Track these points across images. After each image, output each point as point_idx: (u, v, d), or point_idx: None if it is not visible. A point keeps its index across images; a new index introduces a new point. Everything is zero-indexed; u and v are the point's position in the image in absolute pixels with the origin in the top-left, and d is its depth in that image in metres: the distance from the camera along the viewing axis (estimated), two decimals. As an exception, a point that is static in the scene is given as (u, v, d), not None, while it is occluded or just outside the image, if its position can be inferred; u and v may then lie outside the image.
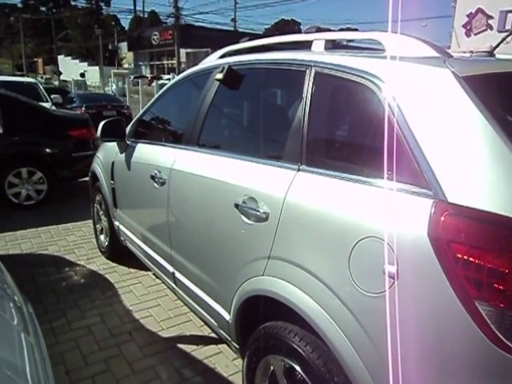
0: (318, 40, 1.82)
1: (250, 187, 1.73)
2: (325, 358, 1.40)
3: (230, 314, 1.91)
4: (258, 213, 1.65)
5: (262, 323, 1.69)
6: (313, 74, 1.63)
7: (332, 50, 1.76)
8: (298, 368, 1.50)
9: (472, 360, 1.07)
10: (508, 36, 1.72)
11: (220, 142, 2.27)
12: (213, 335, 2.60)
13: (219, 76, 2.13)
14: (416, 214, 1.16)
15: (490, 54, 1.67)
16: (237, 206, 1.76)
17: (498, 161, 1.11)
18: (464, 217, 1.08)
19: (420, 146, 1.22)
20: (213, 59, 2.47)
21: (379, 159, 1.31)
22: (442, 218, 1.10)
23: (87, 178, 4.13)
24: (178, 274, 2.40)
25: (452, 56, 1.40)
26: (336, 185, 1.42)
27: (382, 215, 1.25)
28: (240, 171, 1.84)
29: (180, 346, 2.56)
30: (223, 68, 2.14)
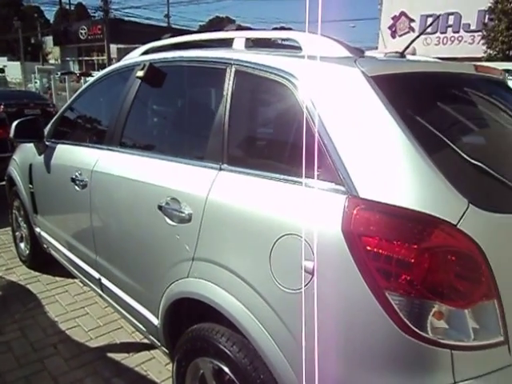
0: (239, 38, 1.82)
1: (172, 188, 1.69)
2: (251, 357, 1.40)
3: (158, 318, 1.85)
4: (180, 214, 1.62)
5: (190, 326, 1.66)
6: (233, 72, 1.62)
7: (252, 49, 1.76)
8: (226, 369, 1.49)
9: (386, 348, 1.11)
10: (415, 40, 1.82)
11: (143, 142, 2.20)
12: (145, 341, 2.51)
13: (140, 73, 2.06)
14: (331, 209, 1.19)
15: (401, 55, 1.76)
16: (160, 207, 1.71)
17: (404, 157, 1.17)
18: (374, 211, 1.13)
19: (334, 144, 1.25)
20: (135, 56, 2.38)
21: (296, 157, 1.33)
22: (354, 213, 1.14)
23: (3, 183, 3.82)
24: (104, 280, 2.29)
25: (363, 56, 1.45)
26: (256, 183, 1.42)
27: (299, 212, 1.27)
28: (163, 172, 1.80)
29: (110, 355, 2.45)
30: (144, 65, 2.07)
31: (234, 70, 1.62)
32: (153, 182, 1.80)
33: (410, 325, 1.06)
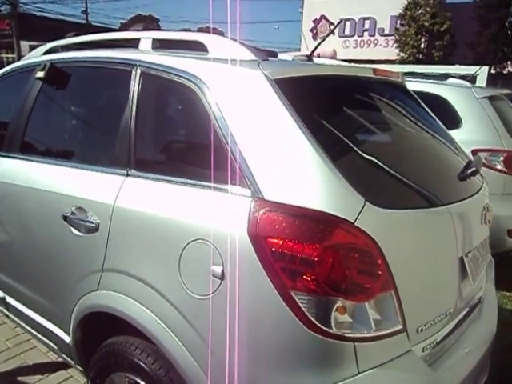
0: (146, 39, 1.76)
1: (78, 196, 1.59)
2: (166, 368, 1.36)
3: (69, 335, 1.74)
4: (87, 223, 1.53)
5: (103, 341, 1.58)
6: (138, 74, 1.57)
7: (159, 50, 1.71)
8: (142, 382, 1.44)
9: (294, 346, 1.13)
10: (321, 42, 1.89)
11: (45, 147, 2.05)
12: (61, 360, 2.35)
13: (40, 74, 1.92)
14: (237, 213, 1.19)
15: (308, 58, 1.81)
16: (65, 217, 1.60)
17: (306, 159, 1.20)
18: (278, 212, 1.14)
19: (239, 147, 1.25)
20: (37, 55, 2.22)
21: (203, 161, 1.31)
22: (259, 215, 1.15)
23: None
24: (9, 299, 2.11)
25: (267, 59, 1.47)
26: (164, 189, 1.38)
27: (206, 217, 1.25)
28: (67, 179, 1.69)
29: (21, 378, 2.26)
30: (45, 65, 1.93)
31: (139, 71, 1.57)
32: (56, 190, 1.68)
33: (315, 322, 1.09)
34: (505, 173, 3.27)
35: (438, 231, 1.39)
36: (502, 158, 3.27)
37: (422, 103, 1.95)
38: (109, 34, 1.95)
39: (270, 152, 1.24)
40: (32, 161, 1.90)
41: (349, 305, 1.12)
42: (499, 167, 3.27)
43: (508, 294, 3.47)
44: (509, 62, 18.50)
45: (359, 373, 1.12)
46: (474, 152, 3.05)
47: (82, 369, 1.79)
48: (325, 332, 1.09)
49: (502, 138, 3.34)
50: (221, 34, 1.71)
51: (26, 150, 1.98)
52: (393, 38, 19.71)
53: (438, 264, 1.37)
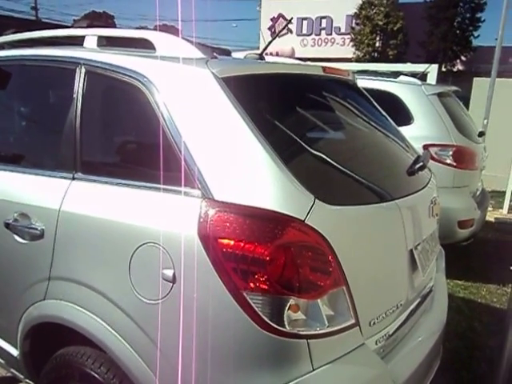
0: (91, 36, 1.69)
1: (20, 202, 1.52)
2: (120, 376, 1.32)
3: (17, 348, 1.65)
4: (31, 230, 1.46)
5: (54, 352, 1.51)
6: (83, 73, 1.50)
7: (105, 48, 1.65)
8: (95, 393, 1.38)
9: (248, 347, 1.12)
10: (272, 41, 1.89)
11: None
12: (9, 375, 2.24)
13: (-22, 73, 1.81)
14: (187, 214, 1.17)
15: (260, 56, 1.80)
16: (7, 225, 1.52)
17: (255, 159, 1.19)
18: (228, 213, 1.13)
19: (188, 148, 1.22)
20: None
21: (152, 163, 1.28)
22: (209, 216, 1.13)
23: None
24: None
25: (216, 57, 1.45)
26: (112, 192, 1.34)
27: (156, 220, 1.22)
28: (8, 185, 1.60)
29: (-33, 396, 2.13)
30: (-18, 64, 1.82)
31: (83, 70, 1.50)
32: (-3, 196, 1.59)
33: (268, 321, 1.09)
34: (454, 167, 3.41)
35: (387, 225, 1.42)
36: (451, 153, 3.41)
37: (373, 101, 1.99)
38: (51, 32, 1.87)
39: (220, 152, 1.22)
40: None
41: (302, 303, 1.12)
42: (449, 161, 3.40)
43: (460, 282, 3.63)
44: (458, 61, 19.39)
45: (314, 369, 1.12)
46: (425, 147, 3.16)
47: (32, 383, 1.71)
48: (278, 331, 1.09)
49: (451, 133, 3.48)
50: (177, 31, 1.67)
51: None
52: (349, 36, 20.16)
53: (388, 258, 1.40)
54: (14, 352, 1.67)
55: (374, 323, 1.30)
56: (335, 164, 1.36)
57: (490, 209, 5.28)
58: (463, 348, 2.65)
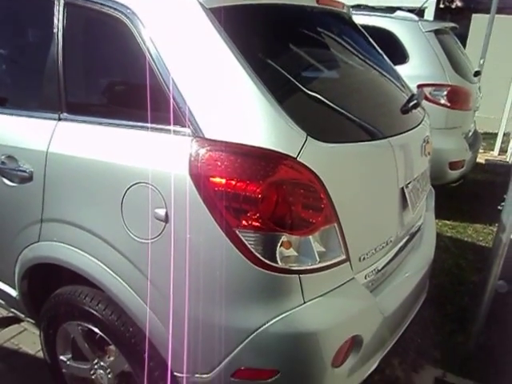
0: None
1: (7, 144, 1.48)
2: (118, 313, 1.36)
3: (15, 289, 1.69)
4: (20, 173, 1.43)
5: (51, 292, 1.54)
6: (62, 5, 1.41)
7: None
8: (95, 329, 1.44)
9: (242, 283, 1.15)
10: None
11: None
12: (11, 315, 2.31)
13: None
14: (177, 153, 1.15)
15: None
16: (-5, 168, 1.49)
17: (247, 95, 1.15)
18: (219, 151, 1.11)
19: (176, 85, 1.18)
20: None
21: (140, 101, 1.24)
22: (200, 155, 1.11)
23: None
24: None
25: None
26: (100, 132, 1.31)
27: (146, 159, 1.20)
28: (-7, 127, 1.55)
29: (-28, 335, 2.21)
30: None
31: (62, 2, 1.41)
32: (-19, 139, 1.55)
33: (261, 257, 1.11)
34: (448, 107, 3.37)
35: (379, 163, 1.41)
36: (445, 93, 3.35)
37: (369, 37, 1.92)
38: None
39: (209, 89, 1.18)
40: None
41: (294, 239, 1.13)
42: (443, 102, 3.36)
43: (448, 222, 3.72)
44: (457, -3, 18.56)
45: (305, 302, 1.16)
46: (420, 87, 3.10)
47: (33, 321, 1.77)
48: (271, 267, 1.11)
49: (447, 72, 3.40)
50: None
51: None
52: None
53: (379, 195, 1.41)
54: (13, 293, 1.71)
55: (364, 259, 1.33)
56: (328, 101, 1.33)
57: (481, 151, 5.30)
58: (448, 283, 2.77)
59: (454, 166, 3.47)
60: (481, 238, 3.50)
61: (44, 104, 1.45)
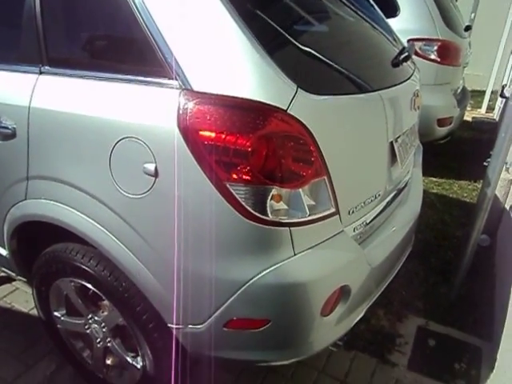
0: None
1: (-14, 100, 1.43)
2: (110, 268, 1.37)
3: (4, 248, 1.69)
4: (2, 130, 1.39)
5: (42, 250, 1.54)
6: None
7: None
8: (88, 285, 1.45)
9: (233, 236, 1.16)
10: None
11: None
12: (3, 274, 2.32)
13: None
14: (165, 106, 1.12)
15: None
16: (-24, 125, 1.44)
17: (236, 46, 1.12)
18: (208, 104, 1.09)
19: (162, 34, 1.14)
20: None
21: (125, 52, 1.21)
22: (189, 108, 1.09)
23: None
24: None
25: None
26: (84, 85, 1.27)
27: (133, 113, 1.17)
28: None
29: (-37, 296, 2.22)
30: None
31: None
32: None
33: (251, 211, 1.11)
34: (438, 62, 3.33)
35: (369, 116, 1.41)
36: (435, 48, 3.31)
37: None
38: None
39: (197, 39, 1.14)
40: None
41: (284, 192, 1.14)
42: (432, 57, 3.32)
43: (434, 179, 3.78)
44: None
45: (295, 254, 1.19)
46: (410, 41, 3.04)
47: (24, 279, 1.78)
48: (262, 220, 1.12)
49: (438, 27, 3.34)
50: None
51: None
52: None
53: (368, 149, 1.41)
54: (3, 252, 1.71)
55: (353, 212, 1.35)
56: (319, 53, 1.29)
57: (468, 108, 5.31)
58: (433, 238, 2.85)
59: (442, 122, 3.48)
60: (465, 195, 3.58)
61: (23, 57, 1.39)
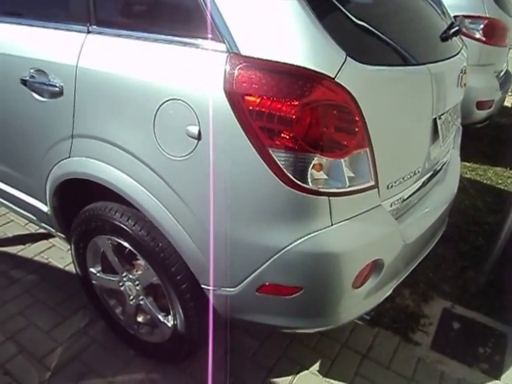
0: None
1: (36, 58, 1.46)
2: (147, 228, 1.41)
3: (46, 204, 1.75)
4: (50, 87, 1.43)
5: (82, 207, 1.60)
6: None
7: None
8: (125, 243, 1.50)
9: (273, 202, 1.17)
10: None
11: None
12: (41, 231, 2.41)
13: None
14: (212, 69, 1.13)
15: None
16: (24, 82, 1.48)
17: (285, 11, 1.10)
18: (255, 68, 1.09)
19: None
20: None
21: (173, 13, 1.21)
22: (236, 72, 1.09)
23: None
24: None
25: None
26: (131, 46, 1.28)
27: (179, 75, 1.18)
28: (20, 39, 1.52)
29: (3, 249, 2.33)
30: None
31: None
32: (10, 52, 1.53)
33: (292, 178, 1.12)
34: (483, 42, 3.19)
35: (416, 90, 1.37)
36: (481, 26, 3.16)
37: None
38: None
39: (246, 2, 1.12)
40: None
41: (325, 162, 1.13)
42: (478, 36, 3.18)
43: (468, 164, 3.68)
44: None
45: (332, 224, 1.19)
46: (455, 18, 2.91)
47: (63, 235, 1.85)
48: (302, 187, 1.13)
49: (485, 3, 3.18)
50: None
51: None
52: None
53: (412, 123, 1.39)
54: (44, 208, 1.77)
55: (392, 186, 1.34)
56: (367, 22, 1.26)
57: (509, 93, 5.10)
58: (463, 223, 2.80)
59: (481, 105, 3.36)
60: (500, 181, 3.48)
61: (72, 15, 1.40)
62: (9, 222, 2.54)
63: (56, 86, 1.41)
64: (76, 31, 1.38)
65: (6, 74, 1.55)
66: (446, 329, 2.00)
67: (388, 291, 1.52)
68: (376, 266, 1.33)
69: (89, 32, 1.35)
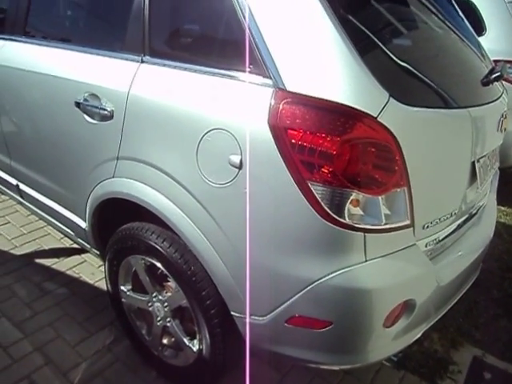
0: None
1: (90, 82, 1.55)
2: (181, 251, 1.44)
3: (85, 221, 1.82)
4: (101, 111, 1.51)
5: (119, 226, 1.65)
6: None
7: None
8: (157, 264, 1.53)
9: (308, 235, 1.18)
10: None
11: (52, 30, 1.94)
12: (75, 246, 2.49)
13: None
14: (257, 103, 1.17)
15: None
16: (78, 104, 1.58)
17: (332, 51, 1.14)
18: (299, 104, 1.13)
19: (262, 35, 1.19)
20: None
21: (223, 49, 1.27)
22: (280, 106, 1.13)
23: None
24: (22, 187, 2.16)
25: None
26: (181, 76, 1.34)
27: (225, 106, 1.23)
28: (78, 65, 1.63)
29: (38, 261, 2.41)
30: None
31: None
32: (67, 76, 1.63)
33: (329, 212, 1.13)
34: (522, 87, 3.17)
35: (456, 133, 1.38)
36: (522, 72, 3.15)
37: (453, 0, 1.82)
38: None
39: (295, 42, 1.18)
40: (39, 45, 1.81)
41: (362, 198, 1.15)
42: (518, 81, 3.16)
43: (503, 208, 3.59)
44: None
45: (366, 260, 1.19)
46: (498, 63, 2.92)
47: (98, 252, 1.90)
48: (338, 222, 1.14)
49: (526, 49, 3.18)
50: None
51: (31, 32, 1.88)
52: None
53: (451, 165, 1.39)
54: (83, 224, 1.84)
55: (428, 227, 1.33)
56: (409, 63, 1.29)
57: (547, 138, 4.99)
58: (497, 269, 2.71)
59: (519, 149, 3.30)
60: (536, 228, 3.37)
61: (128, 45, 1.50)
62: (46, 235, 2.63)
63: (107, 110, 1.49)
64: (130, 60, 1.47)
65: (62, 96, 1.66)
66: (476, 378, 1.92)
67: (418, 334, 1.48)
68: (408, 307, 1.31)
69: (142, 62, 1.44)
